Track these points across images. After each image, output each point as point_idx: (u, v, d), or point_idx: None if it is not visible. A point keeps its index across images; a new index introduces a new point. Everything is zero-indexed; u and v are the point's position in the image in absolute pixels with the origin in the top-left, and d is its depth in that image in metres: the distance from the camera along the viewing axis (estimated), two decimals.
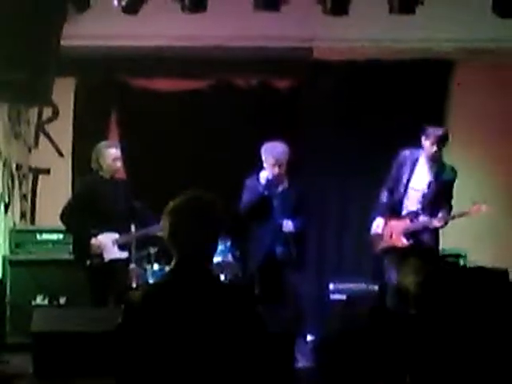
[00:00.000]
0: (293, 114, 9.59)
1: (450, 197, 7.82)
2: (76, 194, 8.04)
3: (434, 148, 7.58)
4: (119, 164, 7.79)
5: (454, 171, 7.84)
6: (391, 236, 7.73)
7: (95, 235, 7.56)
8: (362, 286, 8.53)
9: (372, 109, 9.41)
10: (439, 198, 7.73)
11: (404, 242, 7.69)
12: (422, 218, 7.69)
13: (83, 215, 7.56)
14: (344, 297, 8.52)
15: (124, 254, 7.71)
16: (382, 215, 7.75)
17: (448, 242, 9.40)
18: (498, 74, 9.38)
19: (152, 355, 3.23)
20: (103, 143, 7.96)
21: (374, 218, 7.78)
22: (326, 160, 9.53)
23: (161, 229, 7.98)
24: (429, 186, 7.69)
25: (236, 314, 3.29)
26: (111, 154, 7.70)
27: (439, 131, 7.62)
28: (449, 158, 9.75)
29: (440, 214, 7.64)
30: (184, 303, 3.27)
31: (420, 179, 7.71)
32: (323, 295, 8.74)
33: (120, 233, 7.64)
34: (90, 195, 7.61)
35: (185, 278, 3.33)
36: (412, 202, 7.74)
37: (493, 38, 8.26)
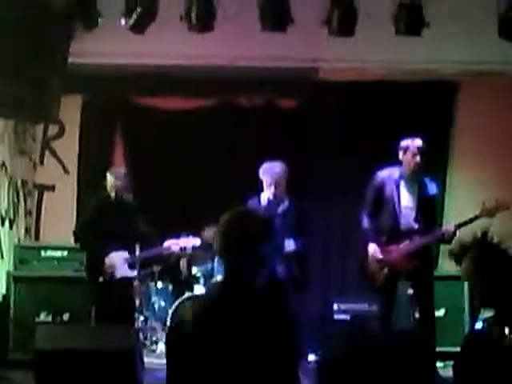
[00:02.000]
0: (297, 134, 9.62)
1: (437, 212, 7.78)
2: (88, 211, 8.16)
3: (417, 159, 7.46)
4: (122, 182, 7.95)
5: (434, 186, 7.72)
6: (396, 260, 7.55)
7: (107, 253, 7.75)
8: (366, 306, 8.50)
9: (376, 129, 9.43)
10: (430, 213, 7.65)
11: (414, 262, 7.51)
12: (432, 233, 7.54)
13: (95, 233, 7.75)
14: (348, 317, 8.51)
15: (133, 273, 7.94)
16: (374, 241, 7.61)
17: (449, 263, 9.40)
18: (503, 95, 9.41)
19: (204, 370, 3.27)
20: (112, 169, 8.26)
21: (366, 244, 7.69)
22: (330, 180, 9.55)
23: (167, 249, 8.15)
24: (418, 202, 7.57)
25: (273, 343, 3.28)
26: (108, 180, 7.96)
27: (418, 141, 7.52)
28: (453, 179, 9.81)
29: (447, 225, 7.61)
30: (233, 320, 3.29)
31: (409, 196, 7.57)
32: (327, 315, 8.72)
33: (127, 252, 7.74)
34: (100, 214, 7.83)
35: (233, 295, 3.36)
36: (408, 221, 7.57)
37: (498, 60, 8.28)
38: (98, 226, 7.71)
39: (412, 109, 9.53)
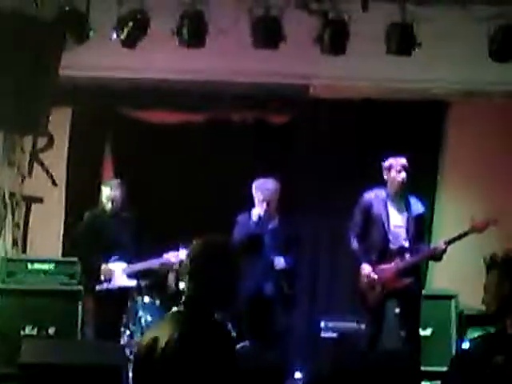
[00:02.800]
0: (288, 151, 9.61)
1: (425, 230, 7.79)
2: (82, 226, 8.25)
3: (403, 175, 7.56)
4: (115, 194, 8.10)
5: (421, 204, 7.79)
6: (388, 279, 7.59)
7: (104, 263, 7.88)
8: (354, 324, 8.48)
9: (368, 147, 9.43)
10: (419, 231, 7.70)
11: (405, 281, 7.58)
12: (423, 251, 7.63)
13: (89, 246, 7.91)
14: (335, 335, 8.48)
15: (132, 283, 7.99)
16: (366, 261, 7.63)
17: (439, 282, 9.42)
18: (493, 116, 9.43)
19: None
20: (106, 181, 8.43)
21: (357, 264, 7.69)
22: (321, 197, 9.54)
23: (161, 262, 8.20)
24: (407, 220, 7.63)
25: (214, 352, 3.41)
26: (104, 193, 8.11)
27: (402, 159, 7.62)
28: (442, 197, 9.82)
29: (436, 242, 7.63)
30: (187, 348, 3.41)
31: (397, 215, 7.65)
32: (314, 333, 8.69)
33: (126, 262, 7.94)
34: (96, 225, 7.95)
35: (191, 325, 3.50)
36: (398, 240, 7.63)
37: (488, 80, 8.32)
38: (95, 239, 7.78)
39: (402, 127, 9.54)
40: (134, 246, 7.93)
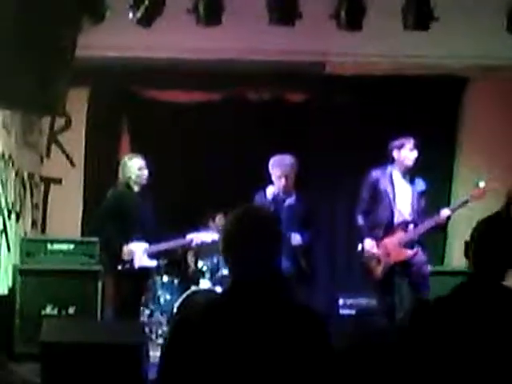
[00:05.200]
0: (305, 128, 9.60)
1: (426, 207, 7.87)
2: (106, 204, 8.06)
3: (414, 153, 7.68)
4: (144, 172, 7.90)
5: (423, 182, 7.89)
6: (390, 253, 7.66)
7: (126, 243, 7.75)
8: (372, 301, 8.49)
9: (384, 124, 9.40)
10: (422, 207, 7.80)
11: (409, 252, 7.66)
12: (427, 220, 7.68)
13: (113, 224, 7.76)
14: (353, 312, 8.49)
15: (153, 263, 7.94)
16: (369, 236, 7.70)
17: (457, 260, 9.40)
18: (510, 90, 9.37)
19: (201, 376, 2.98)
20: (126, 156, 8.14)
21: (361, 242, 7.74)
22: (337, 174, 9.54)
23: (184, 243, 8.17)
24: (412, 196, 7.75)
25: (305, 344, 2.98)
26: (136, 163, 7.87)
27: (410, 138, 7.72)
28: (460, 173, 9.79)
29: (442, 210, 7.67)
30: (246, 328, 2.98)
31: (404, 192, 7.74)
32: (332, 310, 8.71)
33: (148, 242, 7.82)
34: (119, 206, 7.78)
35: (245, 300, 3.04)
36: (402, 215, 7.73)
37: (507, 55, 8.25)
38: (119, 218, 7.70)
39: (420, 103, 9.52)
40: (155, 226, 7.86)
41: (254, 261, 3.05)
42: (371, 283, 7.83)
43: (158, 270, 9.08)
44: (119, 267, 7.72)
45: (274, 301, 3.07)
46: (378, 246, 7.66)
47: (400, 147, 7.70)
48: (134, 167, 7.86)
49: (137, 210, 7.76)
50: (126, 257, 7.71)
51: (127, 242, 7.73)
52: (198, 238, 8.05)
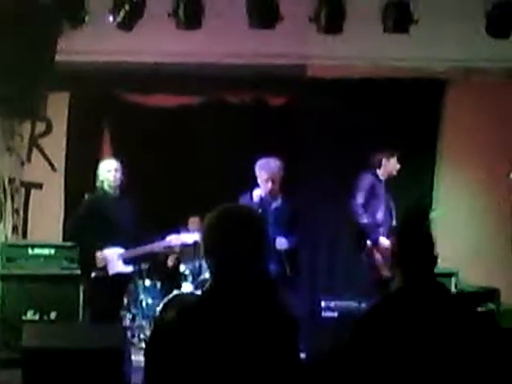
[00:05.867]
0: (287, 132, 9.61)
1: None
2: (82, 209, 8.00)
3: (398, 166, 7.99)
4: (115, 174, 7.73)
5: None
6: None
7: (101, 249, 7.60)
8: (354, 303, 8.50)
9: (366, 126, 9.43)
10: None
11: None
12: None
13: (89, 229, 7.62)
14: (335, 314, 8.50)
15: (129, 269, 7.76)
16: (380, 234, 7.88)
17: (439, 260, 9.42)
18: (491, 93, 9.42)
19: (181, 378, 2.98)
20: (101, 160, 8.00)
21: (365, 240, 7.82)
22: (320, 177, 9.56)
23: (162, 246, 8.00)
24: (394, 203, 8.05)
25: (274, 347, 2.99)
26: (106, 165, 7.74)
27: (397, 150, 8.05)
28: (441, 176, 9.83)
29: None
30: (224, 328, 2.97)
31: (389, 198, 8.04)
32: (315, 312, 8.71)
33: (124, 248, 7.67)
34: (95, 211, 7.64)
35: (226, 300, 3.01)
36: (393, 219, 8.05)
37: (486, 57, 8.29)
38: (94, 221, 7.58)
39: (400, 106, 9.55)
40: (133, 229, 7.73)
41: (236, 261, 2.99)
42: (375, 281, 7.89)
43: (140, 274, 9.05)
44: (93, 274, 7.58)
45: (251, 303, 3.04)
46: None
47: (390, 156, 7.98)
48: (104, 170, 7.74)
49: (113, 214, 7.62)
50: (99, 263, 7.57)
51: (102, 247, 7.60)
52: (177, 239, 7.96)
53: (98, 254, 7.57)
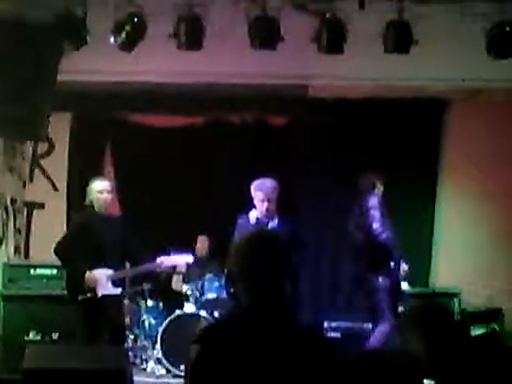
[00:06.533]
0: (287, 151, 9.62)
1: None
2: (70, 228, 8.00)
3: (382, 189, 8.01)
4: (106, 196, 7.59)
5: None
6: None
7: (89, 270, 7.44)
8: (356, 324, 8.49)
9: (367, 146, 9.45)
10: None
11: None
12: None
13: (77, 250, 7.48)
14: (338, 335, 8.48)
15: (117, 290, 7.59)
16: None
17: (441, 280, 9.42)
18: (492, 112, 9.43)
19: None
20: (93, 179, 7.80)
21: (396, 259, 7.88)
22: (321, 197, 9.55)
23: (154, 266, 7.88)
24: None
25: (313, 364, 3.09)
26: (97, 186, 7.57)
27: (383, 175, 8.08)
28: (443, 197, 9.83)
29: None
30: (261, 347, 3.08)
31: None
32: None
33: (113, 268, 7.56)
34: (83, 230, 7.54)
35: (263, 320, 3.12)
36: None
37: (487, 77, 8.30)
38: (83, 242, 7.44)
39: (402, 126, 9.56)
40: (123, 249, 7.57)
41: (269, 287, 3.13)
42: (398, 298, 7.92)
43: (142, 295, 9.03)
44: (80, 297, 7.39)
45: (287, 325, 3.15)
46: None
47: (382, 182, 8.01)
48: (94, 190, 7.58)
49: (101, 234, 7.47)
50: (89, 284, 7.38)
51: (90, 269, 7.41)
52: (168, 260, 7.83)
53: (87, 275, 7.39)
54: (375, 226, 7.83)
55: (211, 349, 3.10)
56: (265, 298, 3.13)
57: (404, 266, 7.91)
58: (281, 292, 3.16)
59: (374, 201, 7.90)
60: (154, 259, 7.70)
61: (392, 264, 7.79)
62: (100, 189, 7.57)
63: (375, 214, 7.85)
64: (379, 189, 7.98)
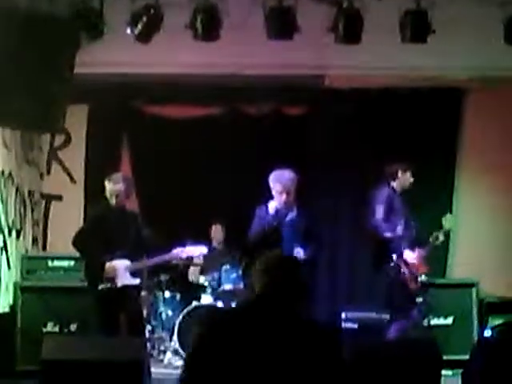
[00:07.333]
0: (305, 142, 9.60)
1: None
2: (88, 220, 8.04)
3: (412, 179, 7.97)
4: (119, 188, 7.59)
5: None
6: (419, 267, 7.90)
7: (108, 261, 7.50)
8: (374, 314, 8.47)
9: (385, 136, 9.42)
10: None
11: (427, 267, 7.98)
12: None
13: (95, 241, 7.53)
14: (355, 325, 8.47)
15: (136, 281, 7.64)
16: (403, 247, 7.86)
17: (460, 271, 9.39)
18: (509, 101, 9.37)
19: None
20: (110, 176, 7.79)
21: (391, 253, 7.79)
22: (338, 187, 9.54)
23: (171, 256, 7.90)
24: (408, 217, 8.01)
25: (317, 355, 3.20)
26: (109, 189, 7.62)
27: (412, 164, 8.02)
28: (461, 188, 9.78)
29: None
30: (260, 337, 3.20)
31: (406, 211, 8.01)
32: (335, 324, 8.68)
33: (130, 260, 7.60)
34: (100, 222, 7.59)
35: (265, 312, 3.28)
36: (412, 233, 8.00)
37: (505, 65, 8.25)
38: (99, 235, 7.48)
39: (419, 115, 9.52)
40: (138, 242, 7.59)
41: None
42: (403, 294, 7.84)
43: (159, 286, 9.05)
44: (100, 286, 7.46)
45: (290, 316, 3.29)
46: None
47: (406, 170, 7.94)
48: (108, 183, 7.64)
49: (115, 227, 7.53)
50: (109, 274, 7.46)
51: (109, 259, 7.48)
52: (184, 252, 7.86)
53: (107, 265, 7.47)
54: (374, 222, 7.83)
55: (209, 336, 3.20)
56: (273, 289, 3.30)
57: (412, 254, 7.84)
58: (291, 284, 3.37)
59: (382, 194, 7.86)
60: (170, 251, 7.73)
61: (392, 261, 7.77)
62: (110, 192, 7.61)
63: (379, 209, 7.83)
64: (404, 178, 7.94)
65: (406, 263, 7.76)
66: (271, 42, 7.39)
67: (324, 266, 9.30)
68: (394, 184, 7.95)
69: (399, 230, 7.86)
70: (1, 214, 8.30)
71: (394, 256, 7.75)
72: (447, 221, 8.05)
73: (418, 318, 8.00)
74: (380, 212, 7.81)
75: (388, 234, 7.79)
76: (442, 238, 8.04)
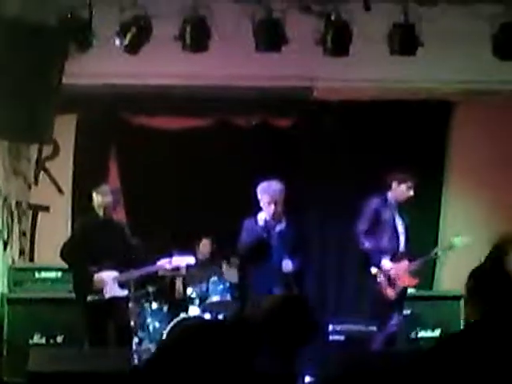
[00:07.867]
0: (293, 153, 9.61)
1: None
2: (75, 231, 8.03)
3: (411, 192, 7.89)
4: (106, 200, 7.70)
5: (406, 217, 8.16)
6: (400, 278, 7.87)
7: (95, 272, 7.51)
8: (361, 326, 8.46)
9: (372, 149, 9.43)
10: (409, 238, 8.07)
11: (416, 281, 8.03)
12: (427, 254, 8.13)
13: (83, 253, 7.53)
14: (342, 338, 8.46)
15: (124, 292, 7.64)
16: (378, 259, 7.82)
17: (447, 283, 9.39)
18: (498, 114, 9.41)
19: None
20: (98, 188, 7.89)
21: (369, 264, 7.78)
22: (326, 199, 9.53)
23: (156, 268, 7.92)
24: (405, 228, 7.99)
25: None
26: (97, 202, 7.71)
27: (411, 178, 7.94)
28: (448, 198, 9.80)
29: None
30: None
31: (400, 222, 7.97)
32: (322, 336, 8.66)
33: (118, 271, 7.58)
34: (88, 234, 7.59)
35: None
36: (402, 245, 7.98)
37: (493, 79, 8.29)
38: (87, 246, 7.51)
39: (407, 128, 9.54)
40: (126, 253, 7.63)
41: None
42: (379, 305, 7.90)
43: (146, 297, 9.01)
44: (89, 298, 7.47)
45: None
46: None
47: (401, 181, 7.90)
48: (94, 201, 7.74)
49: (102, 238, 7.57)
50: (96, 285, 7.48)
51: (96, 271, 7.51)
52: (170, 262, 7.86)
53: (95, 277, 7.48)
54: (356, 233, 7.87)
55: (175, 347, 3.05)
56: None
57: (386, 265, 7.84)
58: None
59: (370, 206, 7.88)
60: (157, 261, 7.74)
61: (372, 271, 7.79)
62: (100, 193, 7.68)
63: (363, 221, 7.85)
64: (400, 190, 7.93)
65: (384, 272, 7.77)
66: (260, 54, 7.41)
67: (312, 277, 9.29)
68: (389, 195, 7.93)
69: (384, 241, 7.85)
70: None
71: (373, 267, 7.78)
72: (457, 242, 8.09)
73: (404, 330, 8.01)
74: (362, 224, 7.84)
75: (366, 245, 7.81)
76: (440, 255, 8.14)
